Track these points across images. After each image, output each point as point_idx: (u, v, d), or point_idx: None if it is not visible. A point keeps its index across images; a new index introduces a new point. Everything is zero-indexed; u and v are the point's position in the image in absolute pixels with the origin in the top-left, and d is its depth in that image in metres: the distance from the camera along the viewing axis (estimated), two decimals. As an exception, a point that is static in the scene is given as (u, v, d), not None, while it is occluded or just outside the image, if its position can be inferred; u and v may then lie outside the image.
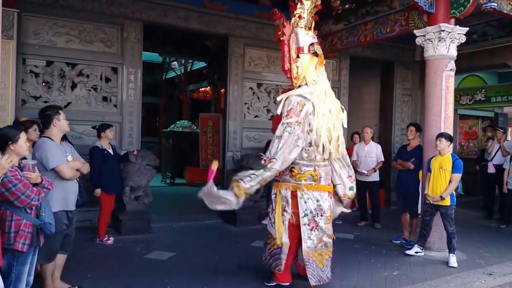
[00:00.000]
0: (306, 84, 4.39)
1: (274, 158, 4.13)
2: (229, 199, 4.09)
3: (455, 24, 5.92)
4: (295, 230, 4.36)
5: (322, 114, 4.27)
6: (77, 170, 3.89)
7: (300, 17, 4.51)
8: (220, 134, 11.04)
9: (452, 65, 5.96)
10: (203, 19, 7.65)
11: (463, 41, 6.00)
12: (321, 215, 4.30)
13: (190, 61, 15.69)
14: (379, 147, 7.67)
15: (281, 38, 4.44)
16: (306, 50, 4.43)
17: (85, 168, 4.01)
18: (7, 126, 3.08)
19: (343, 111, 4.57)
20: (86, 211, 6.21)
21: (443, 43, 5.87)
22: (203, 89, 16.41)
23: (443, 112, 5.89)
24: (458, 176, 5.46)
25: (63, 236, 3.83)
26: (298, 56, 4.43)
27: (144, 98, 20.25)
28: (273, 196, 4.50)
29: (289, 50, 4.41)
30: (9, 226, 2.95)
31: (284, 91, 4.63)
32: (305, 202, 4.29)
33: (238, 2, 7.80)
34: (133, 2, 7.04)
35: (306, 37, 4.48)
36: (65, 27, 6.61)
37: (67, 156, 3.82)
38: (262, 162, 4.21)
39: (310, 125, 4.26)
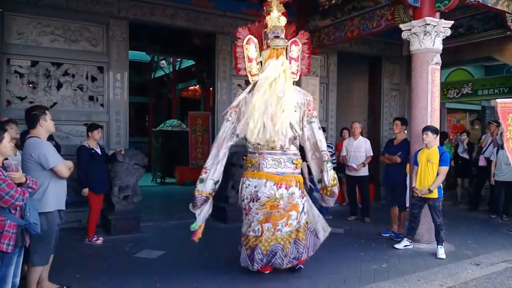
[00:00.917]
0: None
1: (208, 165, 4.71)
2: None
3: (440, 18, 5.96)
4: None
5: (254, 104, 4.42)
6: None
7: (266, 26, 4.73)
8: (209, 132, 11.01)
9: (437, 58, 6.00)
10: (190, 17, 7.61)
11: (448, 35, 6.04)
12: (256, 201, 4.46)
13: (179, 59, 15.63)
14: (368, 142, 7.72)
15: (235, 42, 4.79)
16: (265, 46, 4.73)
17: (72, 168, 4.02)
18: None
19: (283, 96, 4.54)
20: (74, 212, 6.18)
21: (428, 36, 5.91)
22: (192, 87, 16.38)
23: (429, 105, 5.94)
24: (445, 168, 5.52)
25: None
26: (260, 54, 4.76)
27: (132, 98, 20.14)
28: None
29: (242, 51, 4.72)
30: None
31: None
32: (246, 188, 4.56)
33: (224, -1, 7.78)
34: (118, 0, 6.99)
35: (265, 34, 4.73)
36: (49, 26, 6.55)
37: None
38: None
39: (242, 113, 4.56)
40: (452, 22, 6.02)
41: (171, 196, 10.76)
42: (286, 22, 4.73)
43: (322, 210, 7.90)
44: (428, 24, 5.84)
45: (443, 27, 5.94)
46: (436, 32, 5.91)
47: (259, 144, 4.55)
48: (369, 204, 7.80)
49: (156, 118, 17.59)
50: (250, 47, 4.72)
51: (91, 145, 5.82)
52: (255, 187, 4.49)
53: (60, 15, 6.57)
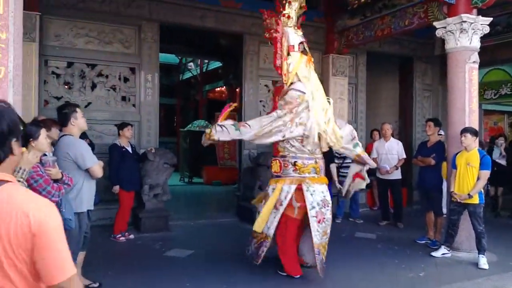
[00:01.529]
0: (299, 80, 4.58)
1: (249, 126, 4.39)
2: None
3: (477, 15, 5.76)
4: (296, 224, 4.55)
5: (314, 110, 4.46)
6: None
7: (289, 17, 4.70)
8: (237, 133, 11.00)
9: (475, 57, 5.77)
10: (219, 18, 7.64)
11: (486, 32, 5.81)
12: (327, 206, 4.44)
13: (206, 61, 15.74)
14: (400, 143, 7.50)
15: (274, 35, 4.66)
16: (296, 48, 4.63)
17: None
18: (28, 124, 3.10)
19: (329, 104, 4.73)
20: (106, 209, 6.26)
21: (465, 34, 5.70)
22: (218, 89, 16.46)
23: (467, 106, 5.70)
24: (486, 173, 5.23)
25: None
26: (289, 54, 4.63)
27: (161, 99, 20.38)
28: (270, 190, 4.60)
29: (281, 48, 4.63)
30: None
31: (278, 88, 4.98)
32: (311, 195, 4.40)
33: (252, 0, 7.75)
34: (149, 3, 7.08)
35: (296, 36, 4.68)
36: (84, 28, 6.70)
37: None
38: (238, 123, 4.48)
39: (302, 119, 4.46)
40: (491, 19, 5.77)
41: (199, 195, 10.82)
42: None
43: (353, 214, 7.87)
44: (465, 21, 5.63)
45: (481, 24, 5.71)
46: (473, 29, 5.70)
47: (315, 150, 4.57)
48: (402, 209, 7.54)
49: (183, 119, 17.78)
50: (284, 45, 4.65)
51: (122, 143, 5.91)
52: (322, 192, 4.47)
53: (94, 18, 6.72)
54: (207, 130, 4.43)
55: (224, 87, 15.31)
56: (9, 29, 3.07)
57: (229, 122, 4.43)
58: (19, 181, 2.51)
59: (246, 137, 4.44)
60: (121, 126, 6.00)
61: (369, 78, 9.53)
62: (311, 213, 4.36)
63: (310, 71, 4.65)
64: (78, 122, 3.80)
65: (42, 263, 1.27)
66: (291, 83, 4.61)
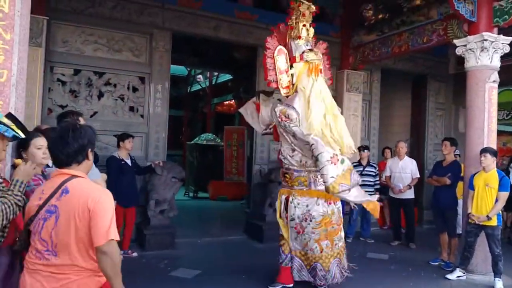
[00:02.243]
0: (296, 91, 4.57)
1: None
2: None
3: (498, 33, 5.61)
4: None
5: (306, 120, 4.34)
6: None
7: (291, 28, 4.72)
8: (244, 147, 10.83)
9: (495, 76, 5.64)
10: (233, 29, 7.50)
11: (507, 51, 5.67)
12: (310, 220, 4.39)
13: (215, 74, 15.63)
14: (414, 162, 7.28)
15: (264, 52, 4.63)
16: (298, 59, 4.59)
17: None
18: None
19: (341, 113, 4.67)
20: None
21: (486, 53, 5.56)
22: (227, 102, 16.32)
23: (486, 126, 5.56)
24: (505, 194, 5.09)
25: None
26: (291, 66, 4.62)
27: (169, 111, 20.24)
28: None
29: (273, 62, 4.57)
30: None
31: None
32: (294, 207, 4.48)
33: (268, 12, 7.62)
34: (163, 11, 6.95)
35: (299, 46, 4.63)
36: (93, 35, 6.53)
37: None
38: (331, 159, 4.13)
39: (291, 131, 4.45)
40: (512, 38, 5.64)
41: (204, 211, 10.56)
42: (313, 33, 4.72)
43: (364, 233, 7.62)
44: (486, 40, 5.50)
45: (502, 44, 5.58)
46: (494, 48, 5.56)
47: (306, 161, 4.50)
48: (414, 229, 7.32)
49: (191, 132, 17.62)
50: (280, 58, 4.60)
51: (121, 155, 5.68)
52: (306, 206, 4.43)
53: (104, 25, 6.55)
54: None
55: (233, 100, 15.17)
56: (14, 30, 2.91)
57: None
58: (16, 195, 2.28)
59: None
60: (122, 137, 5.73)
61: (382, 95, 9.34)
62: (290, 224, 4.52)
63: (313, 79, 4.49)
64: None
65: (93, 229, 1.91)
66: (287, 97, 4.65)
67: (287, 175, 4.63)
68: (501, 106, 10.85)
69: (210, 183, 12.32)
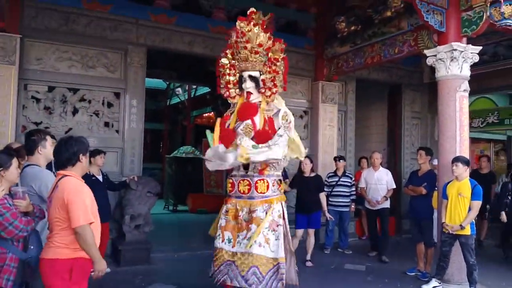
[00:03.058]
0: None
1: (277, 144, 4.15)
2: (228, 156, 4.11)
3: (467, 43, 5.76)
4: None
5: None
6: None
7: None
8: (224, 160, 10.78)
9: (465, 85, 5.75)
10: (207, 44, 7.54)
11: (476, 61, 5.80)
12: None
13: (194, 87, 15.64)
14: (390, 173, 7.24)
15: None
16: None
17: None
18: None
19: None
20: None
21: (455, 62, 5.68)
22: (206, 114, 16.32)
23: (458, 135, 5.64)
24: (478, 203, 5.11)
25: None
26: None
27: (148, 124, 20.11)
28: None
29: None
30: None
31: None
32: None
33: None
34: (137, 27, 6.97)
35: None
36: (68, 52, 6.51)
37: None
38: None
39: None
40: (480, 47, 5.79)
41: (183, 224, 10.48)
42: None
43: (342, 244, 7.64)
44: (455, 50, 5.62)
45: (471, 53, 5.71)
46: (464, 58, 5.69)
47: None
48: (388, 240, 7.21)
49: (171, 145, 17.53)
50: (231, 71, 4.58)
51: (92, 171, 5.61)
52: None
53: (78, 41, 6.54)
54: (240, 150, 4.08)
55: (212, 112, 15.18)
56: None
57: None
58: None
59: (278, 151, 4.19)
60: (93, 153, 5.61)
61: (358, 105, 9.48)
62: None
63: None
64: (46, 151, 3.44)
65: (70, 215, 2.65)
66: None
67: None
68: (476, 114, 11.19)
69: (189, 196, 12.23)
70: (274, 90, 4.54)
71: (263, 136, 4.38)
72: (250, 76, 4.46)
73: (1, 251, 2.74)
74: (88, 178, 5.45)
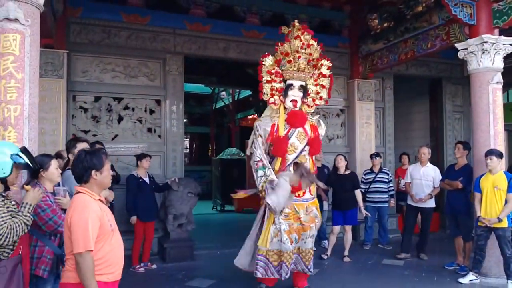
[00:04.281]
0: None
1: None
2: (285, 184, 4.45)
3: (500, 34, 5.65)
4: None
5: None
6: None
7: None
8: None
9: (498, 77, 5.64)
10: (241, 49, 7.79)
11: (510, 52, 5.70)
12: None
13: (237, 90, 16.03)
14: (437, 170, 6.76)
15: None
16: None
17: (111, 196, 4.15)
18: (39, 155, 3.27)
19: None
20: (129, 240, 6.26)
21: (487, 55, 5.60)
22: (250, 116, 16.64)
23: (491, 128, 5.56)
24: None
25: None
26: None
27: (196, 128, 20.67)
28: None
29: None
30: (33, 251, 3.06)
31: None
32: None
33: (275, 30, 7.83)
34: (174, 37, 7.34)
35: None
36: (111, 64, 6.99)
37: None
38: None
39: None
40: (515, 38, 5.66)
41: (228, 223, 10.83)
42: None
43: (381, 240, 7.64)
44: (486, 42, 5.55)
45: (503, 44, 5.61)
46: (496, 49, 5.59)
47: None
48: (427, 239, 6.93)
49: (217, 147, 18.05)
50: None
51: (139, 174, 6.07)
52: None
53: (120, 53, 7.00)
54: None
55: (256, 114, 15.49)
56: (24, 70, 3.29)
57: None
58: (25, 216, 2.69)
59: None
60: (139, 157, 6.17)
61: (400, 100, 9.40)
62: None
63: None
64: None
65: (71, 238, 2.39)
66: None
67: None
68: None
69: (235, 196, 12.56)
70: (317, 101, 4.87)
71: (316, 143, 4.74)
72: (301, 86, 4.74)
73: (40, 244, 3.09)
74: (135, 180, 5.97)
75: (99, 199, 2.55)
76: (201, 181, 14.96)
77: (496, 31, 5.67)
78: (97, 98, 6.96)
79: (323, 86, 4.93)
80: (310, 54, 4.80)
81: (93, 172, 2.51)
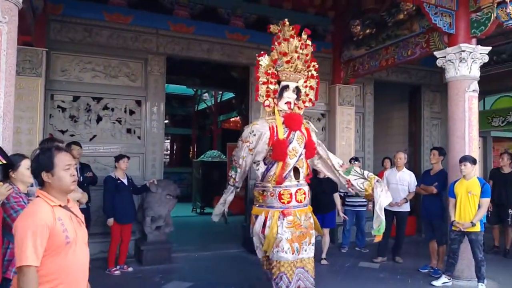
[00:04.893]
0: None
1: None
2: None
3: (477, 44, 5.79)
4: None
5: None
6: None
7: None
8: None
9: (475, 86, 5.79)
10: (225, 51, 7.80)
11: (486, 61, 5.84)
12: None
13: (220, 92, 16.00)
14: (413, 175, 6.97)
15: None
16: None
17: (84, 198, 4.08)
18: (11, 155, 3.20)
19: None
20: (105, 242, 6.21)
21: (464, 63, 5.74)
22: (233, 119, 16.64)
23: (467, 134, 5.70)
24: (487, 200, 5.29)
25: None
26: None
27: (177, 130, 20.46)
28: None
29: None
30: (4, 254, 2.99)
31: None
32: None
33: (258, 33, 7.89)
34: (157, 37, 7.29)
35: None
36: (91, 63, 6.90)
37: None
38: None
39: None
40: (490, 48, 5.81)
41: (207, 226, 10.73)
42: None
43: (358, 243, 7.72)
44: (464, 51, 5.68)
45: (480, 54, 5.75)
46: (473, 58, 5.74)
47: None
48: (402, 243, 7.07)
49: (199, 149, 17.96)
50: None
51: (117, 175, 6.00)
52: None
53: (101, 53, 6.92)
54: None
55: (238, 117, 15.49)
56: (0, 67, 3.23)
57: None
58: None
59: None
60: (117, 158, 6.09)
61: (381, 106, 9.52)
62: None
63: None
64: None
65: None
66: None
67: None
68: (497, 113, 10.95)
69: (215, 199, 12.53)
70: (307, 103, 4.85)
71: (311, 146, 4.69)
72: (296, 87, 4.71)
73: (11, 246, 2.96)
74: (113, 181, 5.90)
75: (65, 205, 2.19)
76: (181, 183, 14.87)
77: (474, 40, 5.81)
78: (76, 97, 6.86)
79: (311, 88, 4.87)
80: (307, 55, 4.72)
81: (43, 174, 2.13)
